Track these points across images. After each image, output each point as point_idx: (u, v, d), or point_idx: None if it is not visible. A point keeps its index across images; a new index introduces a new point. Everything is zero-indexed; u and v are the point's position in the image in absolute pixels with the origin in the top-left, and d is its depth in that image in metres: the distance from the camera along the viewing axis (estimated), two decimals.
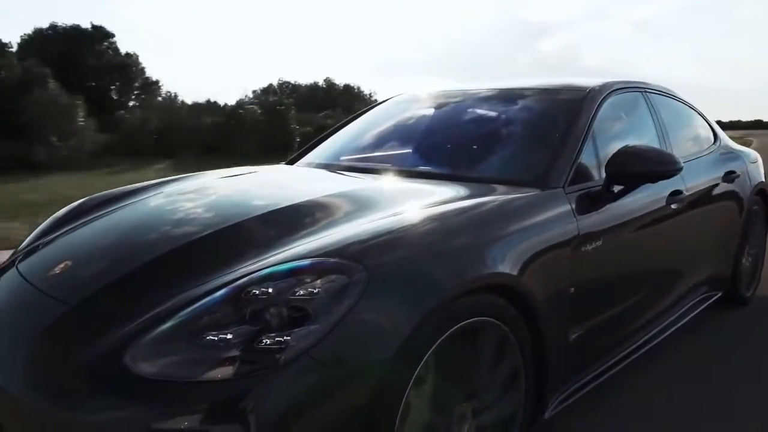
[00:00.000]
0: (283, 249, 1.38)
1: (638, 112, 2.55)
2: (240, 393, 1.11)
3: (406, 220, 1.48)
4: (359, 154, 2.50)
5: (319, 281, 1.21)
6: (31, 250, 1.79)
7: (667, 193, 2.29)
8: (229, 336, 1.17)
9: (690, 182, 2.51)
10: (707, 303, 2.87)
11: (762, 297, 3.38)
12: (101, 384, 1.17)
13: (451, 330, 1.33)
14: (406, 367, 1.24)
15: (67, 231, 1.84)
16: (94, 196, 2.18)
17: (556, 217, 1.76)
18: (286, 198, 1.76)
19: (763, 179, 3.41)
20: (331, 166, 2.43)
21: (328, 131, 2.98)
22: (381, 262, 1.28)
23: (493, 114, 2.40)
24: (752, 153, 3.52)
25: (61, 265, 1.53)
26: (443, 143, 2.39)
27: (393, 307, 1.24)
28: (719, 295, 2.99)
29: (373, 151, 2.48)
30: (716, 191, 2.82)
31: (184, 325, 1.20)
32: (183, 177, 2.37)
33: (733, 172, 3.01)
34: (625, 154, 1.97)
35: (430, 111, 2.62)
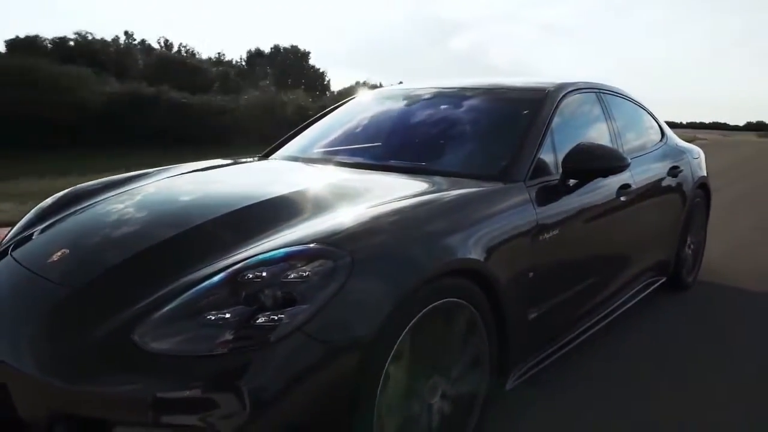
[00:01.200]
0: (273, 237, 1.51)
1: (593, 112, 2.76)
2: (238, 366, 1.23)
3: (384, 210, 1.63)
4: (333, 148, 2.63)
5: (308, 266, 1.35)
6: (23, 239, 1.85)
7: (617, 186, 2.50)
8: (227, 315, 1.29)
9: (638, 176, 2.74)
10: (653, 287, 3.13)
11: (701, 282, 3.68)
12: (111, 359, 1.27)
13: (425, 309, 1.48)
14: (387, 343, 1.38)
15: (59, 220, 1.91)
16: (77, 186, 2.26)
17: (518, 209, 1.93)
18: (272, 190, 1.88)
19: (705, 174, 3.69)
20: (308, 160, 2.56)
21: (301, 126, 3.10)
22: (363, 248, 1.43)
23: (458, 111, 2.57)
24: (695, 149, 3.80)
25: (59, 252, 1.62)
26: (413, 139, 2.54)
27: (375, 288, 1.39)
28: (663, 280, 3.26)
29: (346, 146, 2.61)
30: (662, 185, 3.06)
31: (186, 306, 1.31)
32: (165, 168, 2.46)
33: (677, 167, 3.27)
34: (579, 151, 2.17)
35: (399, 107, 2.77)
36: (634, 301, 2.88)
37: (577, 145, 2.21)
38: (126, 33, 34.96)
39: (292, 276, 1.33)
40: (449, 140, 2.43)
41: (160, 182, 2.20)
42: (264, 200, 1.78)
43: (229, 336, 1.26)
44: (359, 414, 1.34)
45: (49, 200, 2.17)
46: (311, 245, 1.40)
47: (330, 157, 2.53)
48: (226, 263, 1.41)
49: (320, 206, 1.72)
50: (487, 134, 2.39)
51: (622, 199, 2.55)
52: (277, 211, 1.70)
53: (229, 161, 2.67)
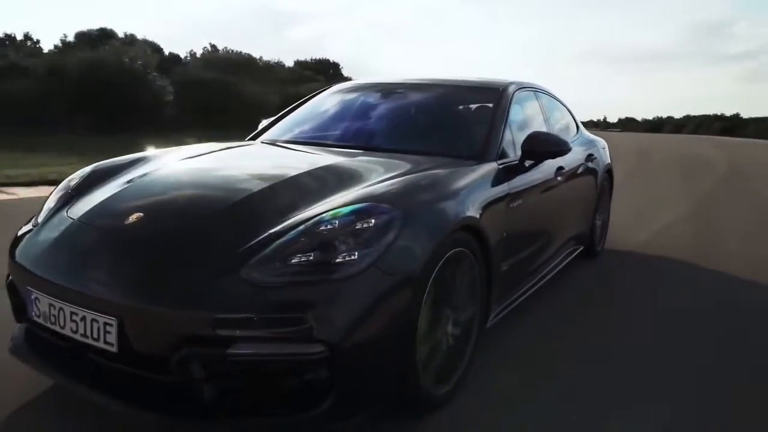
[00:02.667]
0: (332, 198, 1.89)
1: (533, 106, 3.34)
2: (326, 293, 1.59)
3: (411, 179, 2.07)
4: (335, 134, 3.00)
5: (371, 218, 1.74)
6: (94, 209, 2.02)
7: (555, 167, 3.09)
8: (311, 257, 1.65)
9: (567, 162, 3.36)
10: (575, 254, 3.79)
11: (607, 250, 4.43)
12: (226, 291, 1.58)
13: (447, 255, 1.92)
14: (426, 279, 1.81)
15: (120, 189, 2.13)
16: (101, 163, 2.46)
17: (495, 182, 2.42)
18: (304, 166, 2.27)
19: (609, 161, 4.45)
20: (308, 144, 2.91)
21: (280, 114, 3.42)
22: (409, 206, 1.85)
23: (433, 102, 3.05)
24: (601, 141, 4.54)
25: (136, 215, 1.87)
26: (403, 125, 2.97)
27: (419, 236, 1.81)
28: (582, 248, 3.94)
29: (344, 131, 2.99)
30: (582, 169, 3.72)
31: (279, 251, 1.65)
32: (176, 149, 2.70)
33: (592, 155, 3.96)
34: (534, 137, 2.71)
35: (382, 98, 3.20)
36: (563, 264, 3.51)
37: (533, 132, 2.76)
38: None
39: (359, 226, 1.72)
40: (432, 127, 2.89)
41: (204, 157, 2.49)
42: (306, 171, 2.16)
43: (315, 271, 1.62)
44: (409, 332, 1.76)
45: (76, 176, 2.35)
46: (372, 203, 1.80)
47: (336, 142, 2.89)
48: (303, 217, 1.77)
49: (355, 177, 2.11)
50: (462, 122, 2.89)
51: (559, 178, 3.14)
52: (321, 180, 2.09)
53: (233, 143, 2.95)
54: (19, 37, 34.06)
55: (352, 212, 1.76)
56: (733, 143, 27.13)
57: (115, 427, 1.83)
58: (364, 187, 1.98)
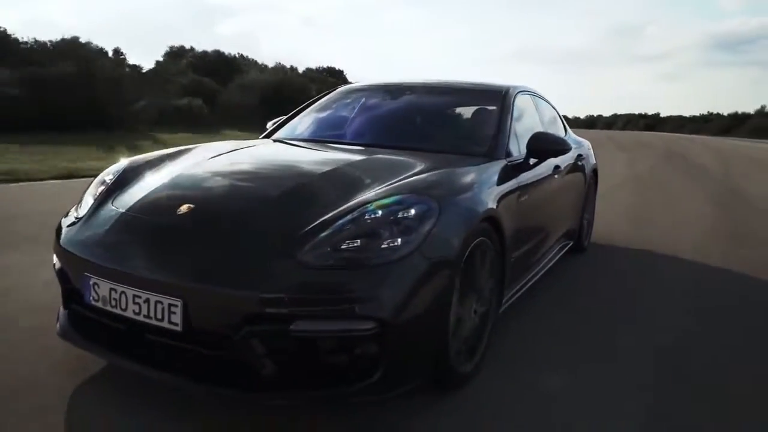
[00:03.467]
0: (374, 190, 2.05)
1: (531, 108, 3.56)
2: (373, 277, 1.76)
3: (440, 174, 2.25)
4: (354, 132, 3.16)
5: (412, 208, 1.91)
6: (139, 203, 2.13)
7: (553, 166, 3.31)
8: (358, 243, 1.81)
9: (562, 161, 3.58)
10: (565, 249, 4.02)
11: (592, 244, 4.69)
12: (286, 273, 1.72)
13: (473, 243, 2.10)
14: (458, 264, 1.98)
15: (164, 183, 2.24)
16: (137, 157, 2.57)
17: (506, 178, 2.62)
18: (338, 160, 2.45)
19: (595, 162, 4.71)
20: (326, 142, 3.06)
21: (290, 115, 3.56)
22: (444, 197, 2.03)
23: (444, 102, 3.25)
24: (587, 142, 4.80)
25: (186, 206, 2.00)
26: (417, 125, 3.15)
27: (453, 226, 1.98)
28: (572, 244, 4.18)
29: (366, 132, 3.15)
30: (573, 168, 3.96)
31: (330, 238, 1.81)
32: (202, 146, 2.83)
33: (581, 155, 4.21)
34: (538, 137, 2.93)
35: (390, 99, 3.38)
36: (556, 258, 3.73)
37: (537, 132, 2.97)
38: None
39: (401, 216, 1.89)
40: (443, 126, 3.09)
41: (234, 153, 2.62)
42: (342, 166, 2.35)
43: (364, 255, 1.78)
44: (446, 312, 1.93)
45: (115, 169, 2.45)
46: (410, 195, 1.97)
47: (356, 140, 3.06)
48: (349, 207, 1.93)
49: (388, 171, 2.27)
50: (472, 123, 3.08)
51: (556, 177, 3.36)
52: (358, 174, 2.26)
53: (254, 141, 3.08)
54: None
55: (393, 203, 1.93)
56: (660, 135, 40.29)
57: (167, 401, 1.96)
58: (398, 181, 2.15)
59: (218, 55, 32.45)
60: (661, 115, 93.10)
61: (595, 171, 4.67)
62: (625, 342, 2.76)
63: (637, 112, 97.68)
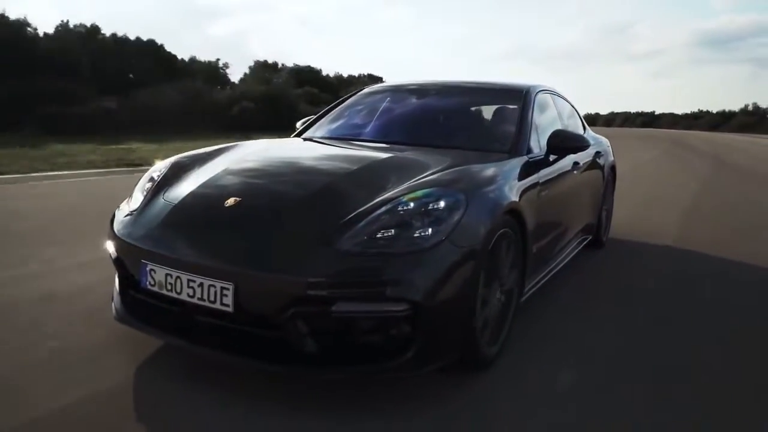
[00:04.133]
0: (406, 184, 2.21)
1: (550, 107, 3.68)
2: (406, 263, 1.91)
3: (466, 169, 2.40)
4: (381, 132, 3.32)
5: (442, 200, 2.06)
6: (186, 197, 2.32)
7: (572, 162, 3.43)
8: (392, 232, 1.97)
9: (581, 157, 3.70)
10: (584, 243, 4.14)
11: (611, 239, 4.83)
12: (327, 259, 1.89)
13: (498, 234, 2.25)
14: (484, 252, 2.13)
15: (211, 177, 2.43)
16: (184, 154, 2.77)
17: (527, 173, 2.75)
18: (371, 156, 2.62)
19: (613, 158, 4.82)
20: (361, 140, 3.24)
21: (318, 115, 3.73)
22: (471, 190, 2.18)
23: (467, 102, 3.39)
24: (604, 140, 4.90)
25: (233, 198, 2.18)
26: (442, 124, 3.31)
27: (480, 217, 2.13)
28: (590, 238, 4.29)
29: (392, 130, 3.31)
30: (592, 165, 4.07)
31: (366, 227, 1.97)
32: (240, 144, 3.02)
33: (599, 152, 4.32)
34: (558, 134, 3.06)
35: (417, 99, 3.53)
36: (575, 252, 3.85)
37: (557, 129, 3.11)
38: None
39: (431, 207, 2.04)
40: (466, 125, 3.24)
41: (272, 150, 2.81)
42: (376, 161, 2.53)
43: (398, 243, 1.94)
44: (473, 296, 2.08)
45: (161, 166, 2.64)
46: (440, 188, 2.13)
47: (384, 139, 3.22)
48: (383, 199, 2.09)
49: (417, 167, 2.43)
50: (494, 121, 3.22)
51: (575, 172, 3.49)
52: (390, 168, 2.43)
53: (287, 139, 3.27)
54: None
55: (424, 195, 2.09)
56: (660, 131, 49.54)
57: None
58: (428, 175, 2.31)
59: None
60: (656, 113, 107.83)
61: (613, 168, 4.77)
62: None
63: (633, 110, 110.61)
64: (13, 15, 23.27)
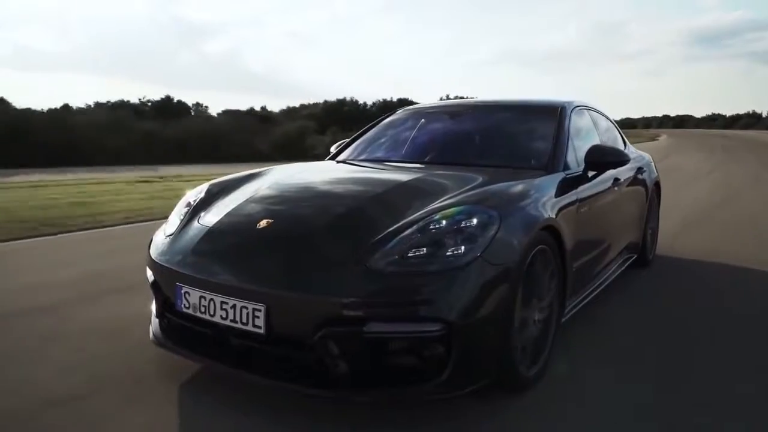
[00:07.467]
0: (437, 203, 2.18)
1: (587, 123, 3.60)
2: (439, 282, 1.87)
3: (500, 186, 2.36)
4: (419, 153, 3.33)
5: (474, 218, 2.02)
6: (220, 221, 2.35)
7: (612, 179, 3.33)
8: (424, 251, 1.94)
9: (622, 174, 3.59)
10: (628, 263, 3.99)
11: (658, 256, 4.65)
12: (357, 279, 1.87)
13: (534, 250, 2.18)
14: (520, 270, 2.07)
15: (244, 201, 2.46)
16: (218, 180, 2.82)
17: (564, 190, 2.68)
18: (404, 177, 2.61)
19: (657, 174, 4.66)
20: (393, 161, 3.25)
21: (352, 138, 3.76)
22: (504, 208, 2.13)
23: (500, 121, 3.36)
24: (647, 155, 4.76)
25: (266, 220, 2.20)
26: (477, 143, 3.28)
27: (514, 234, 2.08)
28: (635, 257, 4.13)
29: (426, 151, 3.31)
30: (634, 181, 3.95)
31: (398, 246, 1.95)
32: (273, 168, 3.06)
33: (642, 168, 4.19)
34: (597, 150, 2.98)
35: (453, 120, 3.52)
36: (618, 272, 3.71)
37: (594, 145, 3.03)
38: None
39: (464, 225, 2.00)
40: (502, 143, 3.19)
41: (305, 173, 2.84)
42: (407, 181, 2.51)
43: (430, 262, 1.90)
44: (509, 316, 2.02)
45: (199, 190, 2.69)
46: (472, 206, 2.09)
47: (420, 158, 3.24)
48: (415, 218, 2.07)
49: (451, 185, 2.40)
50: (529, 138, 3.17)
51: (615, 189, 3.38)
52: (422, 187, 2.41)
53: (318, 163, 3.30)
54: None
55: (457, 213, 2.05)
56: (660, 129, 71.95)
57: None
58: (461, 193, 2.28)
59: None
60: (655, 115, 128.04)
61: (657, 184, 4.61)
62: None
63: (633, 115, 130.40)
64: None
